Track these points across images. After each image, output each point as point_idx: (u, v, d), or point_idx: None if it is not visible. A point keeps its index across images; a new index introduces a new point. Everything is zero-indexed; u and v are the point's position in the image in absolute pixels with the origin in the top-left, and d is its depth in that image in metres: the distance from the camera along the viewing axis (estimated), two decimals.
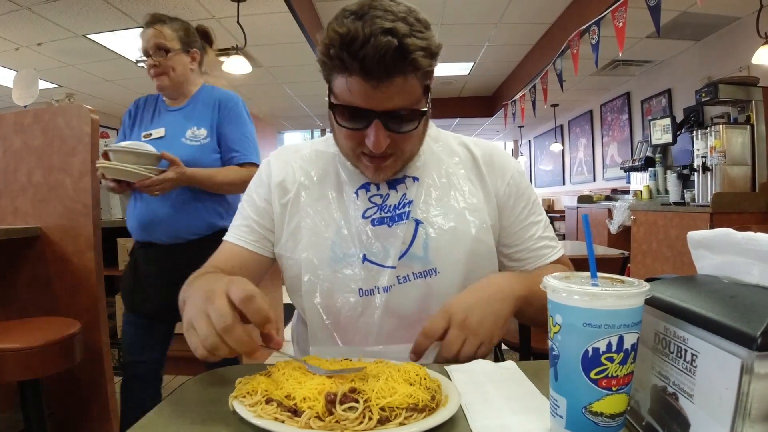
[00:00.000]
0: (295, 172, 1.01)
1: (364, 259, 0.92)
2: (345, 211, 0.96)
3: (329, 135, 1.04)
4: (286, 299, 1.15)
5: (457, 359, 0.80)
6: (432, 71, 0.82)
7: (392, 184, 0.97)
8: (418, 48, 0.75)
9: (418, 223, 0.94)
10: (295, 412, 0.56)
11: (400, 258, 0.92)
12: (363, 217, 0.94)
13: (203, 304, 0.64)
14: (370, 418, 0.55)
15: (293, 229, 0.97)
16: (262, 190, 1.02)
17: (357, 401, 0.56)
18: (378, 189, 0.96)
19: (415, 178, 0.98)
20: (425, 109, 0.84)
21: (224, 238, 1.03)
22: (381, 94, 0.77)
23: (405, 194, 0.96)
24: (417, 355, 0.83)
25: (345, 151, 0.92)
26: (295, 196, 0.99)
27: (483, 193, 1.00)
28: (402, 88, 0.78)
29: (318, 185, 0.99)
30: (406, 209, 0.94)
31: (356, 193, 0.96)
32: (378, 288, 0.92)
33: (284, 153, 1.05)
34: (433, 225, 0.94)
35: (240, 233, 1.01)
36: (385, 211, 0.94)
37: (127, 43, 5.14)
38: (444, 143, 1.05)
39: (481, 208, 0.98)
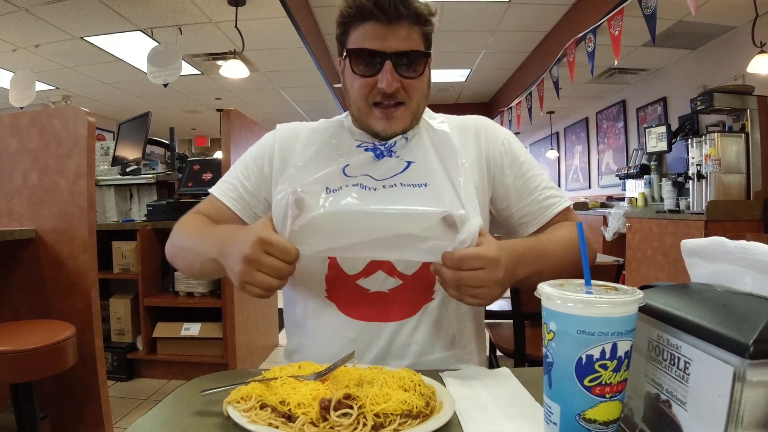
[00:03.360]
0: (300, 136, 1.02)
1: (344, 169, 0.89)
2: (341, 156, 0.95)
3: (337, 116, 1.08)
4: (280, 303, 1.13)
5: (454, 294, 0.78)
6: (431, 24, 0.93)
7: (389, 149, 0.95)
8: (419, 2, 0.89)
9: (409, 163, 0.93)
10: (290, 418, 0.56)
11: (387, 178, 0.89)
12: (356, 147, 0.96)
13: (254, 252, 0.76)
14: (365, 424, 0.55)
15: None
16: (257, 152, 1.05)
17: (351, 407, 0.56)
18: (376, 147, 0.95)
19: (409, 163, 0.94)
20: (428, 51, 0.94)
21: (210, 190, 1.07)
22: (392, 35, 0.88)
23: (395, 144, 0.95)
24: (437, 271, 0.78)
25: (357, 102, 0.95)
26: (299, 152, 0.98)
27: (474, 157, 1.02)
28: (408, 33, 0.89)
29: (321, 141, 0.98)
30: (400, 158, 0.93)
31: (356, 147, 0.96)
32: (356, 185, 0.87)
33: (291, 126, 1.08)
34: (420, 167, 0.92)
35: (223, 188, 1.05)
36: (378, 152, 0.94)
37: (125, 46, 5.14)
38: (439, 120, 1.04)
39: (477, 180, 0.99)
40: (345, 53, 0.93)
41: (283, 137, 1.05)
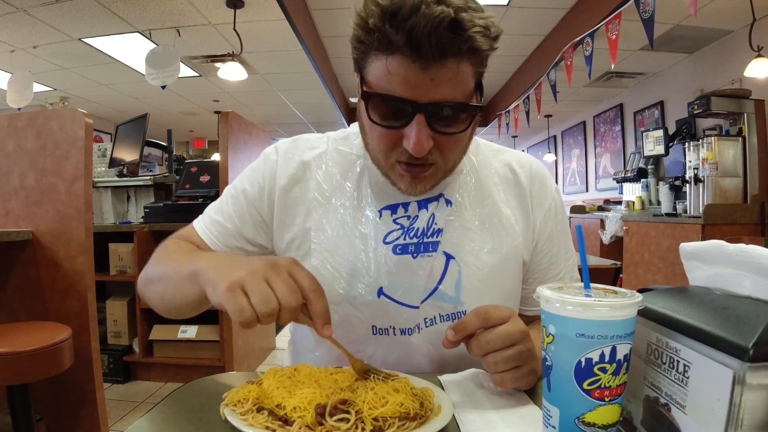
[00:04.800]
0: (308, 175, 0.86)
1: (380, 293, 0.80)
2: (364, 231, 0.82)
3: (348, 132, 0.90)
4: None
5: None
6: (487, 59, 0.68)
7: (423, 203, 0.82)
8: (477, 25, 0.62)
9: (449, 258, 0.81)
10: (286, 422, 0.56)
11: (426, 298, 0.80)
12: (384, 242, 0.80)
13: (265, 272, 0.59)
14: (363, 429, 0.54)
15: (299, 241, 0.84)
16: (255, 190, 0.87)
17: (348, 412, 0.56)
18: (406, 210, 0.82)
19: (448, 201, 0.83)
20: (479, 104, 0.70)
21: (196, 226, 0.90)
22: (428, 81, 0.63)
23: (434, 217, 0.82)
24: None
25: (375, 155, 0.76)
26: (306, 204, 0.85)
27: (523, 223, 0.87)
28: (454, 76, 0.64)
29: (335, 193, 0.85)
30: (435, 239, 0.81)
31: (380, 212, 0.82)
32: (394, 328, 0.80)
33: (295, 150, 0.88)
34: (467, 262, 0.81)
35: (214, 233, 0.87)
36: (411, 236, 0.80)
37: (123, 47, 5.14)
38: (483, 158, 0.90)
39: (520, 242, 0.86)
40: (360, 89, 0.70)
41: (283, 176, 0.86)
